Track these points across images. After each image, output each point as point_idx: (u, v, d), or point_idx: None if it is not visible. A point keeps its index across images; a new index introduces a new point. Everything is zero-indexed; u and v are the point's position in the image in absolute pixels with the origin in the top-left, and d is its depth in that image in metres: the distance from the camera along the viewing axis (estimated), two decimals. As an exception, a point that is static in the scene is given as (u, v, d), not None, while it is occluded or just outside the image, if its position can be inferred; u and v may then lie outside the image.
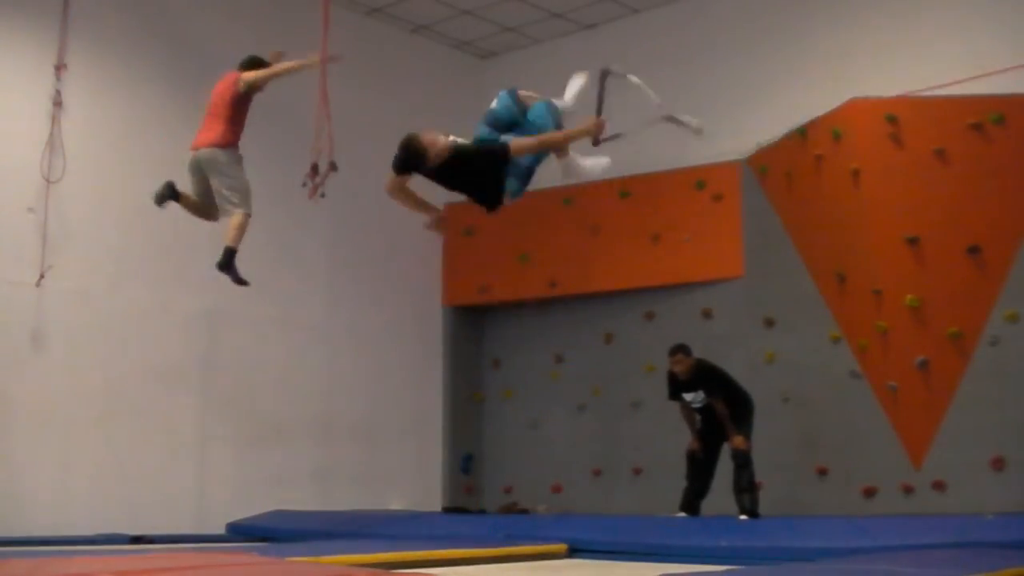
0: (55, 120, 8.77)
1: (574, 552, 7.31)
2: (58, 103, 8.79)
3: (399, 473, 10.23)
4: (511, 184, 6.21)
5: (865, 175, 8.57)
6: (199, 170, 7.55)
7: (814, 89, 9.48)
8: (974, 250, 8.33)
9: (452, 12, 11.15)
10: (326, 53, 8.00)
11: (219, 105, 7.51)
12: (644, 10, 11.07)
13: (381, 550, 5.93)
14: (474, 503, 10.73)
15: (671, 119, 6.76)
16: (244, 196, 7.51)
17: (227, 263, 7.45)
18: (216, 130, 7.46)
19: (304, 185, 8.25)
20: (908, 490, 8.43)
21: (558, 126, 6.32)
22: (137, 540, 8.00)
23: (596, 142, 6.38)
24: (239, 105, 7.50)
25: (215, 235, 9.78)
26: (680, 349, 8.31)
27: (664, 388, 8.54)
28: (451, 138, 6.07)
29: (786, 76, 10.04)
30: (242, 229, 7.47)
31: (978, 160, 8.40)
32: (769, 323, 9.51)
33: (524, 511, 10.24)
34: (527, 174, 6.30)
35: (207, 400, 9.50)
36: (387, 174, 6.07)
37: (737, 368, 8.75)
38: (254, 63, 7.67)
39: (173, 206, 7.68)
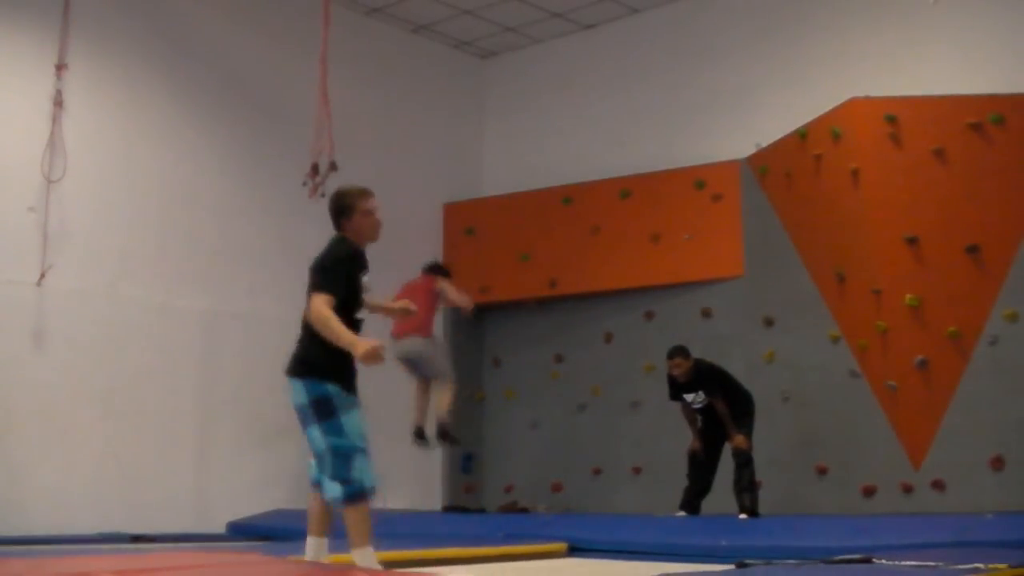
0: (56, 120, 8.77)
1: (574, 551, 7.32)
2: (59, 103, 8.79)
3: (399, 473, 10.21)
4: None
5: (864, 175, 8.58)
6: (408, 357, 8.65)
7: (814, 89, 9.49)
8: (973, 250, 8.33)
9: (452, 12, 11.16)
10: (326, 52, 8.02)
11: (418, 296, 8.45)
12: (644, 10, 11.08)
13: (381, 550, 5.93)
14: (474, 502, 10.74)
15: None
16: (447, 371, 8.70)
17: (444, 434, 8.64)
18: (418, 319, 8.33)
19: (304, 185, 8.26)
20: (907, 489, 8.44)
21: None
22: (137, 539, 8.01)
23: None
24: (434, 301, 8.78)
25: (214, 236, 9.82)
26: (678, 352, 8.30)
27: (664, 388, 8.54)
28: None
29: (786, 76, 10.04)
30: (452, 399, 8.68)
31: (977, 160, 8.41)
32: (769, 323, 9.52)
33: (524, 510, 10.24)
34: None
35: (207, 400, 9.51)
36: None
37: (737, 368, 8.77)
38: (440, 268, 9.20)
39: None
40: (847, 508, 8.55)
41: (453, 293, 8.83)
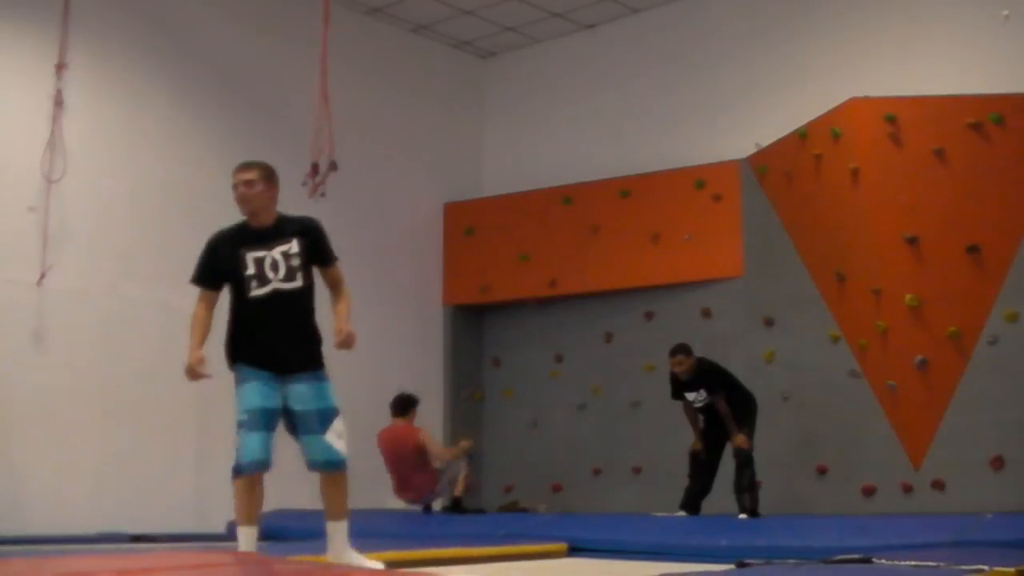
0: (56, 119, 8.75)
1: (574, 551, 7.32)
2: (59, 102, 8.77)
3: (399, 473, 10.20)
4: None
5: (864, 175, 8.58)
6: None
7: (814, 89, 9.49)
8: (973, 250, 8.33)
9: (452, 12, 11.16)
10: (326, 52, 8.03)
11: (406, 459, 8.99)
12: (644, 10, 11.08)
13: (381, 550, 5.93)
14: (474, 502, 10.73)
15: None
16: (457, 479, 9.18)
17: (456, 506, 9.18)
18: (417, 486, 9.09)
19: (304, 184, 8.25)
20: (907, 489, 8.44)
21: None
22: (137, 539, 8.00)
23: None
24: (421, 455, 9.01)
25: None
26: (680, 350, 8.31)
27: (665, 388, 8.55)
28: None
29: (786, 76, 10.04)
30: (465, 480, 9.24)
31: (977, 160, 8.41)
32: (769, 322, 9.52)
33: (524, 510, 10.24)
34: None
35: (207, 400, 9.48)
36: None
37: (737, 367, 8.77)
38: (408, 402, 9.30)
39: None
40: (847, 508, 8.55)
41: (436, 448, 9.14)
